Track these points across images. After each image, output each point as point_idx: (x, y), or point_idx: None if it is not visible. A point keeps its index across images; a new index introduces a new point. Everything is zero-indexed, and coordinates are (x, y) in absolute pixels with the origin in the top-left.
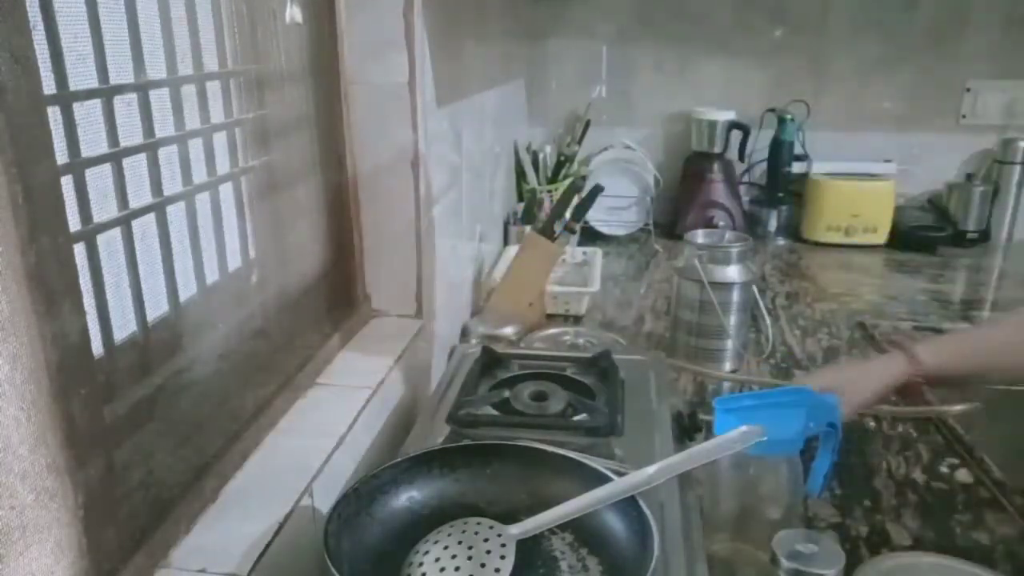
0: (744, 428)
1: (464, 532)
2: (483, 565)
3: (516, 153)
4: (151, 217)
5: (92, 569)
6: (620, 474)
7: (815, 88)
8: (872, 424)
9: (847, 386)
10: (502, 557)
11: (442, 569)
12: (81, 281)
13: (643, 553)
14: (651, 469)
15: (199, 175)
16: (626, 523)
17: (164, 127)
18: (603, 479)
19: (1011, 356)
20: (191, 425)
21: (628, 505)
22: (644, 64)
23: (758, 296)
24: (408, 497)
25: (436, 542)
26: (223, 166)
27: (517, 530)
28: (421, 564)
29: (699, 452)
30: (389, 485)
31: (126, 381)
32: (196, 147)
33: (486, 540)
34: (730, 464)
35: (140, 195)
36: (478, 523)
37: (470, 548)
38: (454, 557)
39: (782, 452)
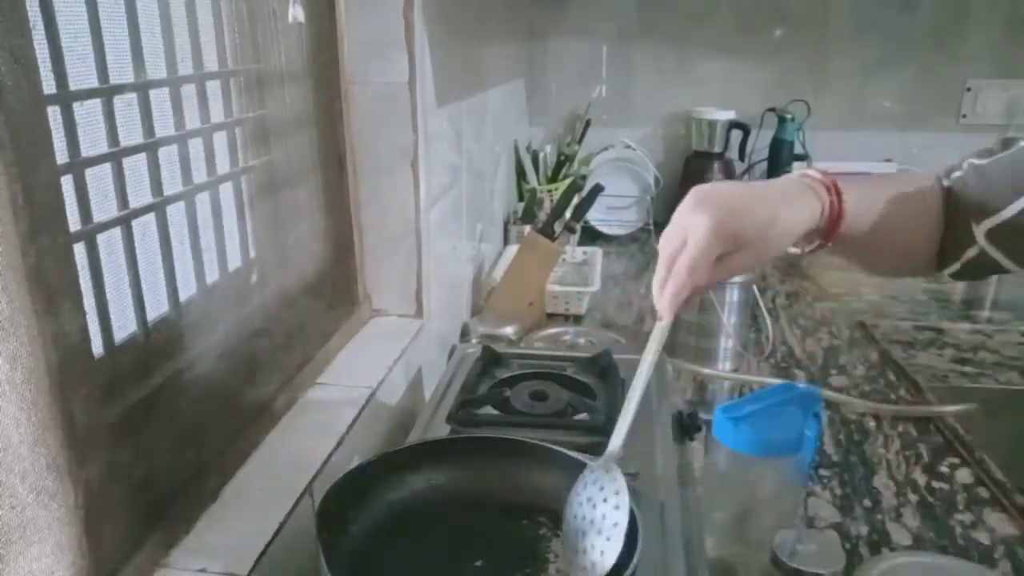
0: None
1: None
2: (605, 500)
3: (516, 153)
4: (151, 217)
5: (92, 569)
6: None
7: (815, 88)
8: (872, 424)
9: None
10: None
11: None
12: (81, 281)
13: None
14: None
15: (199, 175)
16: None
17: (164, 127)
18: (582, 465)
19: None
20: (191, 425)
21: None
22: (644, 64)
23: (758, 295)
24: (399, 487)
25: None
26: (223, 166)
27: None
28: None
29: None
30: (383, 472)
31: (126, 381)
32: (196, 147)
33: (598, 485)
34: (730, 464)
35: (140, 195)
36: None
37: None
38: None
39: (785, 454)
